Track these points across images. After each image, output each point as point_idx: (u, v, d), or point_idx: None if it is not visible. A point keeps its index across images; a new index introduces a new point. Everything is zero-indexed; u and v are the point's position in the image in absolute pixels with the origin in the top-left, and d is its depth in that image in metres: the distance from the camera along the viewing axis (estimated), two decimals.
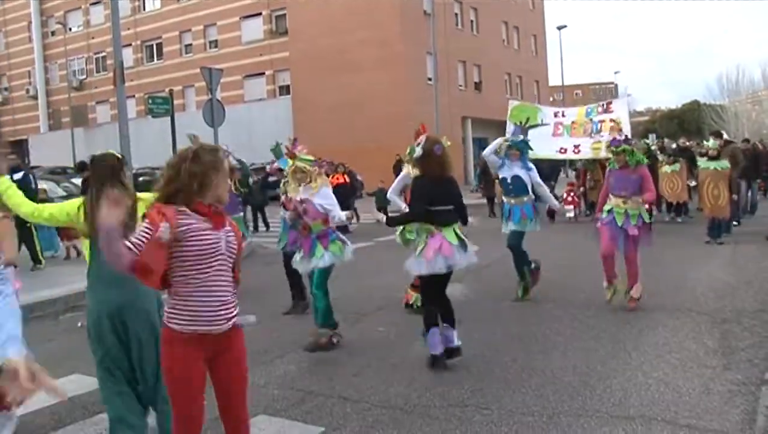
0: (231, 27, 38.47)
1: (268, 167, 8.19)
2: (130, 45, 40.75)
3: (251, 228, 16.05)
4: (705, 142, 13.34)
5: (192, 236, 2.88)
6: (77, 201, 3.88)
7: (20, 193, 3.98)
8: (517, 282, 7.82)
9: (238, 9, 37.95)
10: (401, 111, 29.63)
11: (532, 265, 7.76)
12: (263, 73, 37.63)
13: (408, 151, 5.67)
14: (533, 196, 7.85)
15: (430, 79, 29.71)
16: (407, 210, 5.83)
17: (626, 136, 7.48)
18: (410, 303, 7.26)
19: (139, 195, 3.83)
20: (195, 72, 26.38)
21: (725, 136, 13.63)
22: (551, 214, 16.33)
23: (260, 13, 37.17)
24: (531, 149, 8.07)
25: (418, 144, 5.40)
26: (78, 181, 14.97)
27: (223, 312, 2.98)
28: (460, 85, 36.44)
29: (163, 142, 18.61)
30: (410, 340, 6.07)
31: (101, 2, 42.26)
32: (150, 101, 16.36)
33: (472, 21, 38.22)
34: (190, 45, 40.56)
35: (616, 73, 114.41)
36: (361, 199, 19.77)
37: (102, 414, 4.21)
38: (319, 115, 33.05)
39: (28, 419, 4.64)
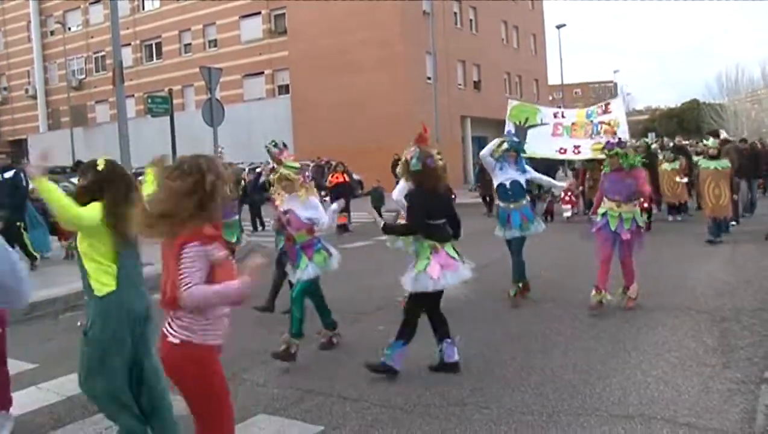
0: (230, 26, 38.45)
1: (258, 168, 8.11)
2: (130, 44, 40.72)
3: (251, 229, 16.06)
4: (704, 142, 13.32)
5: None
6: (98, 211, 3.62)
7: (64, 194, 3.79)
8: (511, 281, 7.82)
9: (237, 8, 37.92)
10: (401, 111, 29.63)
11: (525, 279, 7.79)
12: (262, 73, 37.62)
13: (406, 163, 5.38)
14: (529, 198, 7.86)
15: (429, 79, 29.70)
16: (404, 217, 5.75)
17: (619, 138, 7.41)
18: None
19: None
20: (194, 71, 26.35)
21: (723, 135, 13.59)
22: (549, 213, 16.32)
23: (259, 13, 37.14)
24: (524, 152, 8.09)
25: (413, 157, 5.28)
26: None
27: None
28: (460, 85, 36.42)
29: (162, 142, 18.58)
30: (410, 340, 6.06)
31: (100, 2, 42.21)
32: (149, 101, 16.34)
33: (471, 20, 38.21)
34: (190, 44, 40.52)
35: (615, 72, 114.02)
36: (357, 198, 19.76)
37: (101, 413, 4.21)
38: (318, 115, 33.05)
39: (28, 418, 4.64)
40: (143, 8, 42.89)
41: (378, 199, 16.84)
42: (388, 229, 5.68)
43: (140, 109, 36.37)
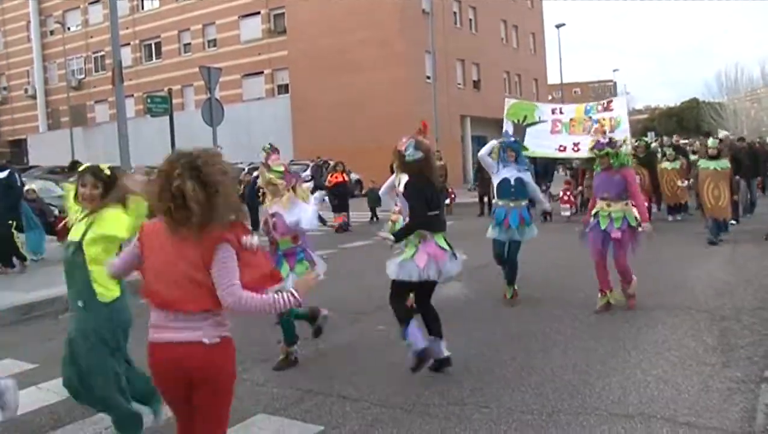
0: (229, 26, 38.45)
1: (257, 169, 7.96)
2: (129, 44, 40.72)
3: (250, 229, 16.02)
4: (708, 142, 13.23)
5: None
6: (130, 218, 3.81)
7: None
8: (505, 283, 7.78)
9: (236, 8, 37.92)
10: (400, 110, 29.62)
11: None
12: (262, 72, 37.62)
13: (401, 155, 5.23)
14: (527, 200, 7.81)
15: (428, 78, 29.70)
16: (398, 209, 5.66)
17: (610, 138, 7.35)
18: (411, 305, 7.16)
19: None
20: (194, 71, 26.36)
21: (722, 134, 13.56)
22: (547, 213, 16.27)
23: (259, 12, 37.15)
24: (526, 149, 8.02)
25: (408, 147, 5.16)
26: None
27: None
28: (459, 84, 36.42)
29: (162, 142, 18.59)
30: None
31: (100, 2, 42.22)
32: (149, 100, 16.35)
33: (470, 20, 38.20)
34: (189, 44, 40.53)
35: (614, 71, 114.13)
36: (354, 198, 19.76)
37: (101, 413, 4.21)
38: (318, 114, 33.05)
39: (28, 418, 4.64)
40: (142, 8, 42.90)
41: (374, 200, 16.85)
42: (398, 237, 5.28)
43: (140, 108, 36.38)
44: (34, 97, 48.77)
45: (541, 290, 7.98)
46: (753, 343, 5.69)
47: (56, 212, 12.15)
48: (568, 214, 16.13)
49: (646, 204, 11.12)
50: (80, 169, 3.98)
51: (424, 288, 5.24)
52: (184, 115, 30.95)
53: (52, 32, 47.00)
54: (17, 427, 4.53)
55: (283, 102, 36.06)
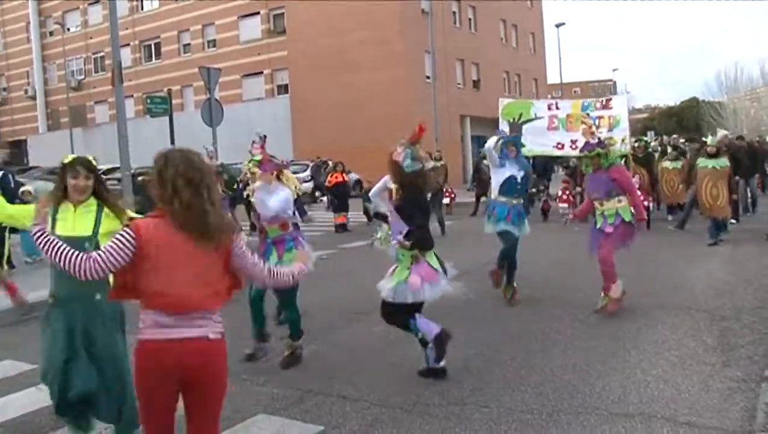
0: (229, 26, 38.45)
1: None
2: (129, 45, 40.70)
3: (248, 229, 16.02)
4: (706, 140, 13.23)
5: None
6: None
7: None
8: (509, 284, 7.72)
9: (236, 8, 37.92)
10: (400, 110, 29.61)
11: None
12: (261, 73, 37.61)
13: (397, 165, 5.03)
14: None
15: (428, 78, 29.69)
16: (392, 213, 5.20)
17: (599, 138, 7.33)
18: None
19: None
20: (193, 71, 26.38)
21: (721, 134, 13.50)
22: (545, 212, 16.25)
23: (258, 13, 37.14)
24: (524, 145, 8.00)
25: (406, 157, 5.00)
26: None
27: None
28: (459, 84, 36.41)
29: (161, 142, 18.54)
30: (409, 339, 6.05)
31: (99, 2, 42.20)
32: (148, 101, 16.37)
33: (470, 19, 38.20)
34: (188, 44, 40.52)
35: (614, 70, 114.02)
36: (354, 198, 19.77)
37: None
38: (317, 115, 33.04)
39: (28, 419, 4.64)
40: (142, 8, 42.89)
41: (369, 200, 16.84)
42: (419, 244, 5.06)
43: (139, 109, 36.37)
44: (33, 97, 48.76)
45: (541, 290, 7.98)
46: (753, 342, 5.69)
47: None
48: (568, 213, 16.01)
49: (645, 203, 11.09)
50: (68, 160, 3.87)
51: (415, 305, 5.15)
52: (184, 115, 30.95)
53: (51, 33, 47.00)
54: (17, 428, 4.52)
55: (282, 102, 36.05)
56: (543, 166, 17.65)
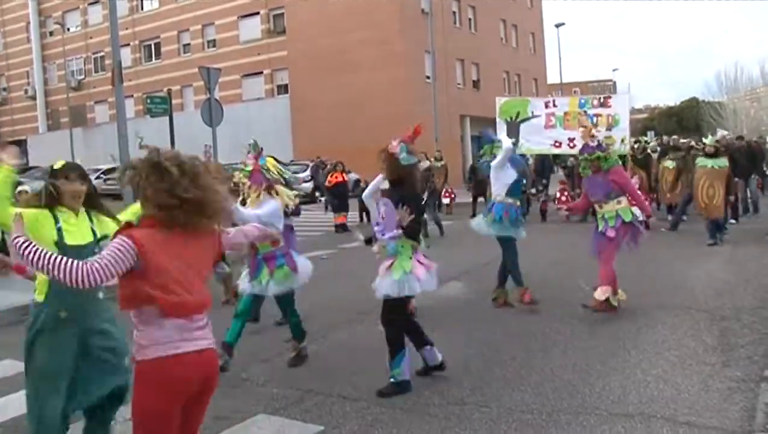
0: (229, 26, 38.44)
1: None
2: (129, 45, 40.68)
3: None
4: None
5: None
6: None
7: None
8: (502, 288, 7.62)
9: (235, 8, 37.91)
10: (400, 110, 29.60)
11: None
12: (261, 73, 37.60)
13: (394, 158, 4.93)
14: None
15: (428, 78, 29.68)
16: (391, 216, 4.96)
17: (598, 141, 7.28)
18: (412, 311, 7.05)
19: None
20: (193, 71, 26.36)
21: (720, 133, 13.48)
22: (543, 212, 16.21)
23: (258, 13, 37.14)
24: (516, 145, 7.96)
25: (402, 151, 4.90)
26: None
27: None
28: (459, 84, 36.40)
29: (161, 142, 18.47)
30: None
31: (99, 2, 42.20)
32: (148, 101, 16.36)
33: (470, 19, 38.19)
34: (188, 44, 40.51)
35: (614, 70, 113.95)
36: (354, 198, 19.76)
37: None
38: (317, 115, 33.03)
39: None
40: (142, 8, 42.88)
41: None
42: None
43: (139, 109, 36.34)
44: (33, 97, 48.74)
45: (540, 290, 7.96)
46: (753, 342, 5.69)
47: None
48: (566, 214, 15.92)
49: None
50: (60, 166, 3.71)
51: (410, 313, 5.10)
52: (184, 115, 30.95)
53: (51, 33, 46.99)
54: (17, 427, 4.53)
55: (282, 102, 36.05)
56: (541, 165, 17.61)
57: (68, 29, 45.29)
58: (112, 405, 3.76)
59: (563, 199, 16.08)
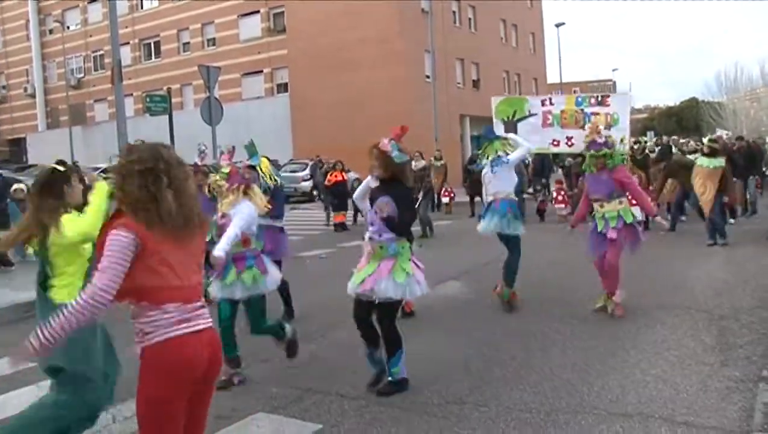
0: (229, 25, 38.42)
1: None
2: (128, 43, 40.65)
3: None
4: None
5: None
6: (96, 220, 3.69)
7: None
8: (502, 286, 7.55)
9: (235, 7, 37.88)
10: (400, 109, 29.59)
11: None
12: (261, 71, 37.58)
13: (386, 155, 4.86)
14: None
15: (428, 77, 29.68)
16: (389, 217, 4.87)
17: (606, 138, 7.26)
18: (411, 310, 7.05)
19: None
20: (193, 70, 26.34)
21: (718, 133, 13.51)
22: (541, 212, 16.20)
23: (258, 11, 37.11)
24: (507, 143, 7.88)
25: (394, 149, 4.85)
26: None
27: None
28: (458, 83, 36.40)
29: (160, 141, 18.45)
30: (408, 338, 6.06)
31: (99, 0, 42.17)
32: (148, 99, 16.36)
33: (470, 19, 38.18)
34: (188, 43, 40.49)
35: (614, 70, 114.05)
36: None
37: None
38: (317, 113, 33.02)
39: None
40: (142, 7, 42.84)
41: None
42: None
43: (139, 107, 36.34)
44: (33, 95, 48.70)
45: (540, 290, 7.98)
46: (751, 342, 5.70)
47: None
48: (563, 213, 15.90)
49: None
50: (66, 167, 3.90)
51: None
52: (184, 114, 30.92)
53: (51, 31, 46.95)
54: None
55: (282, 101, 36.03)
56: (541, 165, 17.59)
57: (68, 27, 45.25)
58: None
59: (559, 198, 16.08)
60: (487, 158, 7.43)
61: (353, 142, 29.72)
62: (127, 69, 30.77)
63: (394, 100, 30.78)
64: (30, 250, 3.88)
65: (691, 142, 18.78)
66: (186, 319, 2.65)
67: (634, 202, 7.30)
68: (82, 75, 45.86)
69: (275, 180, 6.76)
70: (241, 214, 5.08)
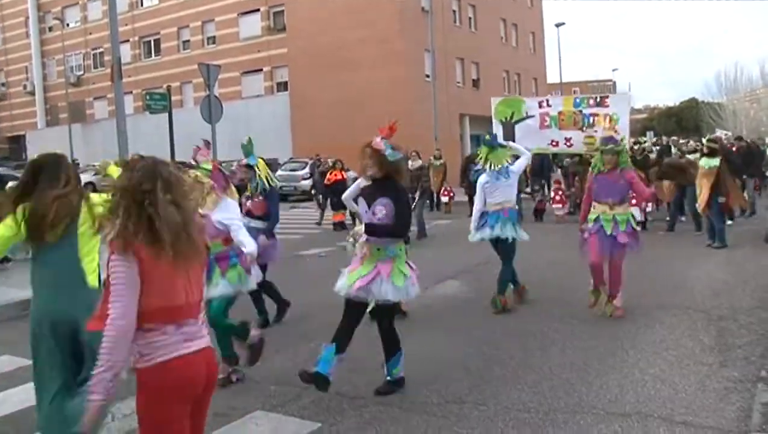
0: (229, 23, 38.38)
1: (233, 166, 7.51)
2: (128, 41, 40.61)
3: None
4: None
5: None
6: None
7: None
8: (516, 286, 7.62)
9: (236, 5, 37.85)
10: (400, 109, 29.50)
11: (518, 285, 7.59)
12: (261, 70, 37.55)
13: (380, 154, 4.82)
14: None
15: (428, 77, 29.68)
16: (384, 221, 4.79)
17: (621, 137, 7.26)
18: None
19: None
20: (193, 68, 26.32)
21: (717, 133, 13.54)
22: (539, 213, 16.18)
23: (258, 10, 37.08)
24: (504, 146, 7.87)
25: (387, 147, 4.80)
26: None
27: None
28: (458, 83, 36.39)
29: (160, 139, 18.56)
30: (407, 337, 6.06)
31: None
32: (148, 97, 16.34)
33: (470, 18, 38.18)
34: (188, 41, 40.45)
35: (614, 70, 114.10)
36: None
37: None
38: (317, 112, 33.01)
39: (27, 414, 4.63)
40: (142, 5, 42.78)
41: None
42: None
43: (138, 105, 36.30)
44: (32, 93, 48.64)
45: (539, 290, 7.98)
46: (750, 343, 5.71)
47: None
48: (561, 213, 15.86)
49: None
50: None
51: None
52: (183, 112, 30.90)
53: (50, 28, 46.89)
54: (16, 422, 4.53)
55: (282, 99, 36.01)
56: (540, 165, 17.57)
57: (67, 25, 45.21)
58: None
59: (557, 198, 16.06)
60: (490, 166, 7.29)
61: (353, 141, 29.42)
62: (127, 67, 30.75)
63: (394, 99, 30.76)
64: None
65: (691, 142, 18.79)
66: (187, 339, 2.64)
67: (633, 202, 7.31)
68: (81, 72, 45.81)
69: (274, 181, 6.74)
70: (224, 211, 5.06)
